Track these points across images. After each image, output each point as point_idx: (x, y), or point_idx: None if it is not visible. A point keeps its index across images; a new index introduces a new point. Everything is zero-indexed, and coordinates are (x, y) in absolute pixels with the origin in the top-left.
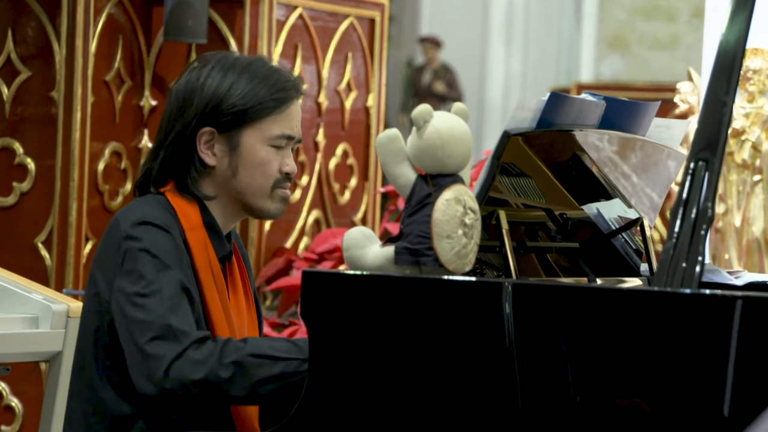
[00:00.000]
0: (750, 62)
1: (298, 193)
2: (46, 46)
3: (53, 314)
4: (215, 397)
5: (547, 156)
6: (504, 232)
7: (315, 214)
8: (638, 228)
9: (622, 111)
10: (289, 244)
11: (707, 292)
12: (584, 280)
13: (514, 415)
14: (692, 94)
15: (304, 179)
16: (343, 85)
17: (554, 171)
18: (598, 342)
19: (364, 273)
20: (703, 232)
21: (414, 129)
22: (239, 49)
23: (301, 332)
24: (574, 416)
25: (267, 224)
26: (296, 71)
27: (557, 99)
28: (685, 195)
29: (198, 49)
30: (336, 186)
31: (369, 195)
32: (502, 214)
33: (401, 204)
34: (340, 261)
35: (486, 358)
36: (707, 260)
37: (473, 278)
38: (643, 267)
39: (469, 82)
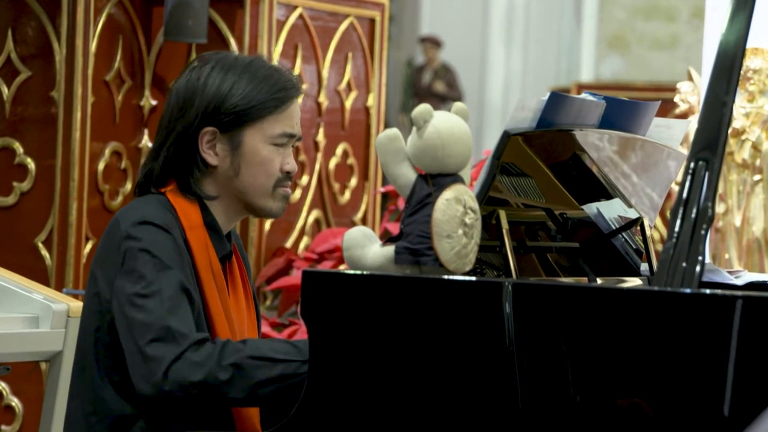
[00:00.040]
0: (750, 62)
1: (298, 193)
2: (46, 46)
3: (53, 314)
4: (214, 399)
5: (547, 156)
6: (504, 231)
7: (315, 213)
8: (638, 228)
9: (622, 111)
10: (289, 243)
11: (707, 291)
12: (584, 279)
13: (514, 415)
14: (692, 93)
15: (305, 179)
16: (344, 84)
17: (554, 171)
18: (598, 342)
19: (365, 273)
20: (703, 232)
21: (414, 129)
22: (239, 49)
23: (301, 332)
24: (575, 416)
25: (267, 224)
26: (296, 71)
27: (557, 99)
28: (685, 195)
29: (198, 49)
30: (336, 186)
31: (369, 195)
32: (503, 214)
33: (401, 204)
34: (341, 261)
35: (486, 358)
36: (707, 260)
37: (473, 278)
38: (644, 267)
39: (469, 82)
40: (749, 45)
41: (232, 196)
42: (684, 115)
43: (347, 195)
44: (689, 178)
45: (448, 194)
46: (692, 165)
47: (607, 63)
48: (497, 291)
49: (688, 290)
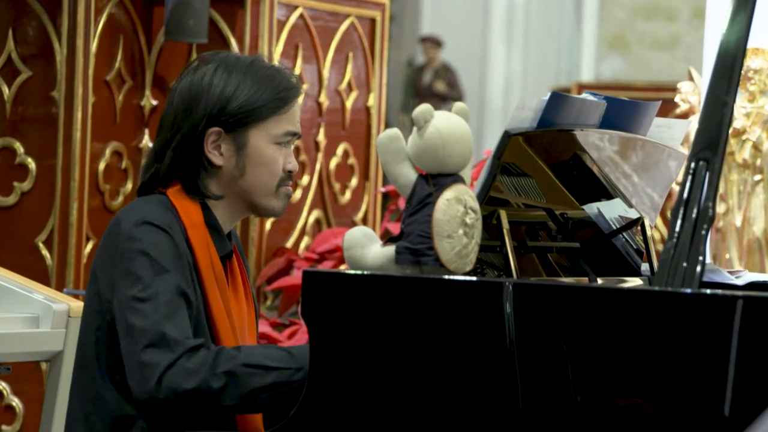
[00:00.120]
0: (751, 62)
1: (298, 193)
2: (46, 46)
3: (54, 314)
4: (208, 406)
5: (547, 156)
6: (505, 231)
7: (316, 213)
8: (639, 228)
9: (622, 111)
10: (289, 243)
11: (708, 291)
12: (585, 279)
13: (514, 415)
14: (693, 93)
15: (305, 179)
16: (344, 84)
17: (555, 171)
18: (599, 342)
19: (365, 273)
20: (703, 232)
21: (415, 129)
22: (240, 49)
23: (302, 332)
24: (575, 416)
25: (268, 224)
26: (297, 71)
27: (558, 99)
28: (685, 195)
29: (199, 49)
30: (337, 186)
31: (370, 195)
32: (503, 214)
33: (402, 204)
34: (341, 261)
35: (487, 358)
36: (708, 260)
37: (474, 278)
38: (644, 267)
39: (470, 82)
40: (750, 45)
41: (235, 195)
42: (684, 115)
43: (348, 195)
44: (690, 178)
45: (448, 194)
46: (693, 165)
47: (608, 63)
48: (498, 291)
49: (688, 290)
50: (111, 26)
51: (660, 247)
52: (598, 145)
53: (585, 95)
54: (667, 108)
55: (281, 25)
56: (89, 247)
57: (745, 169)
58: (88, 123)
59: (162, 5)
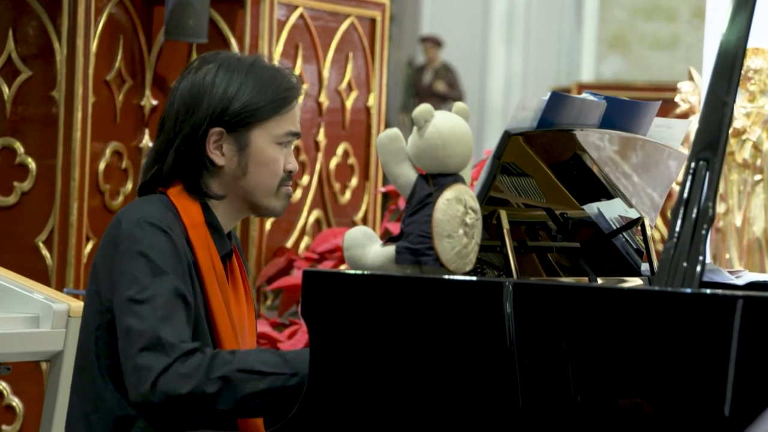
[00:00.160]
0: (751, 62)
1: (299, 193)
2: (46, 46)
3: (54, 314)
4: (202, 411)
5: (547, 156)
6: (505, 231)
7: (316, 213)
8: (639, 228)
9: (622, 111)
10: (289, 243)
11: (708, 291)
12: (585, 279)
13: (515, 414)
14: (693, 93)
15: (305, 179)
16: (344, 84)
17: (555, 171)
18: (599, 342)
19: (365, 273)
20: (703, 232)
21: (415, 129)
22: (240, 49)
23: (302, 332)
24: (575, 416)
25: (268, 224)
26: (297, 71)
27: (558, 99)
28: (686, 195)
29: (199, 49)
30: (337, 186)
31: (370, 195)
32: (503, 214)
33: (402, 204)
34: (341, 261)
35: (487, 358)
36: (708, 260)
37: (474, 278)
38: (644, 267)
39: (470, 82)
40: (750, 45)
41: (236, 195)
42: (685, 115)
43: (348, 195)
44: (690, 178)
45: (448, 194)
46: (693, 165)
47: (608, 63)
48: (498, 291)
49: (688, 290)
50: (111, 26)
51: (660, 247)
52: (598, 145)
53: (585, 95)
54: (667, 108)
55: (281, 25)
56: (89, 247)
57: (745, 169)
58: (88, 123)
59: (162, 5)
